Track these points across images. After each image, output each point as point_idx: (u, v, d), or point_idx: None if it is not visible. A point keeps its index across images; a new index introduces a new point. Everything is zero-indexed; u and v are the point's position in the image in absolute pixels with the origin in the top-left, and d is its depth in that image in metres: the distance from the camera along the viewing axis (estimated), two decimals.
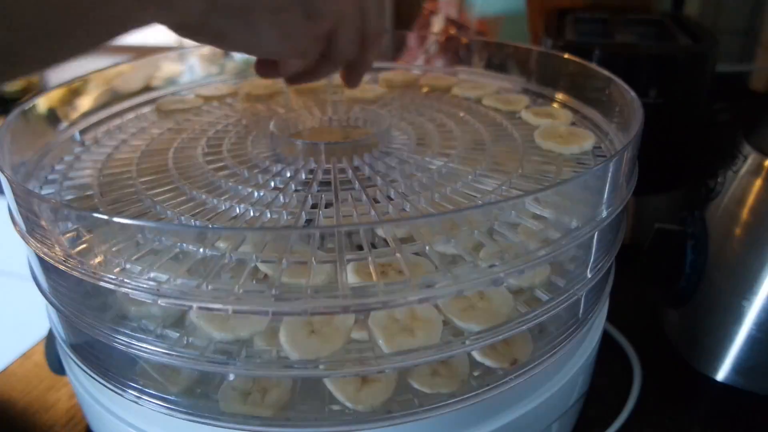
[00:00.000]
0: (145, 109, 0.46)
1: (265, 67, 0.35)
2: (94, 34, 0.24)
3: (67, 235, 0.29)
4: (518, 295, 0.29)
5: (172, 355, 0.26)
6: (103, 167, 0.37)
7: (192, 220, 0.30)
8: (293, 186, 0.33)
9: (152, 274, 0.26)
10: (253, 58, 0.35)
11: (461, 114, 0.43)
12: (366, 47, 0.34)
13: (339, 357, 0.25)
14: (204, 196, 0.32)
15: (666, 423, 0.40)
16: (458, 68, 0.53)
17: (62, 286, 0.30)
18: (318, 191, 0.32)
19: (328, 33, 0.32)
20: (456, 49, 0.57)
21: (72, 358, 0.32)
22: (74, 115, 0.41)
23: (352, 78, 0.38)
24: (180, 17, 0.26)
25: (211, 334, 0.26)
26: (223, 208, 0.31)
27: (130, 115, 0.45)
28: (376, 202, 0.31)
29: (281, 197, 0.31)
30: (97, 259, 0.28)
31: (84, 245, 0.28)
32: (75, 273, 0.27)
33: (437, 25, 0.83)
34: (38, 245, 0.29)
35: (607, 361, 0.39)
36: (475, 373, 0.28)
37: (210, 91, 0.48)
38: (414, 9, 0.84)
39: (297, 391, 0.28)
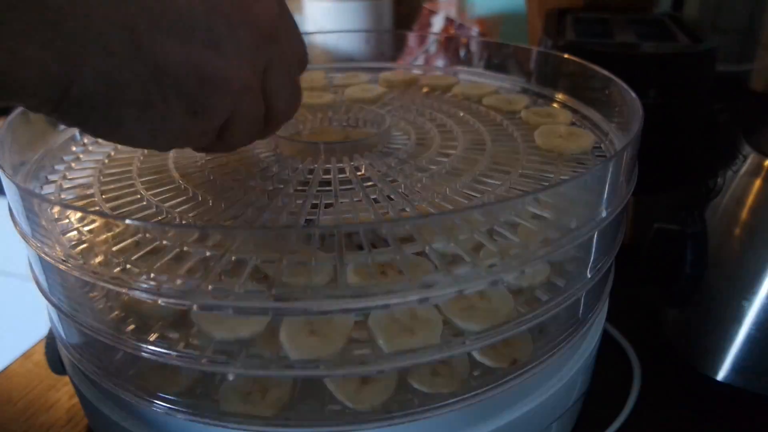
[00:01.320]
0: None
1: None
2: None
3: (67, 235, 0.29)
4: (518, 295, 0.29)
5: (172, 355, 0.26)
6: (103, 167, 0.37)
7: (192, 220, 0.30)
8: (293, 186, 0.33)
9: (152, 274, 0.26)
10: None
11: (461, 114, 0.43)
12: (272, 129, 0.31)
13: (339, 357, 0.26)
14: (204, 196, 0.32)
15: (666, 423, 0.40)
16: (458, 68, 0.53)
17: (62, 286, 0.30)
18: (318, 191, 0.32)
19: (222, 126, 0.27)
20: (456, 49, 0.57)
21: (72, 358, 0.32)
22: None
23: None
24: (33, 107, 0.23)
25: (211, 334, 0.26)
26: (223, 208, 0.31)
27: None
28: (376, 202, 0.31)
29: (281, 197, 0.31)
30: (97, 259, 0.28)
31: (84, 245, 0.28)
32: (75, 273, 0.27)
33: (437, 25, 0.83)
34: (38, 245, 0.29)
35: (607, 361, 0.39)
36: (475, 373, 0.29)
37: None
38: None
39: (297, 391, 0.28)
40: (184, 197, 0.32)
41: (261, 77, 0.27)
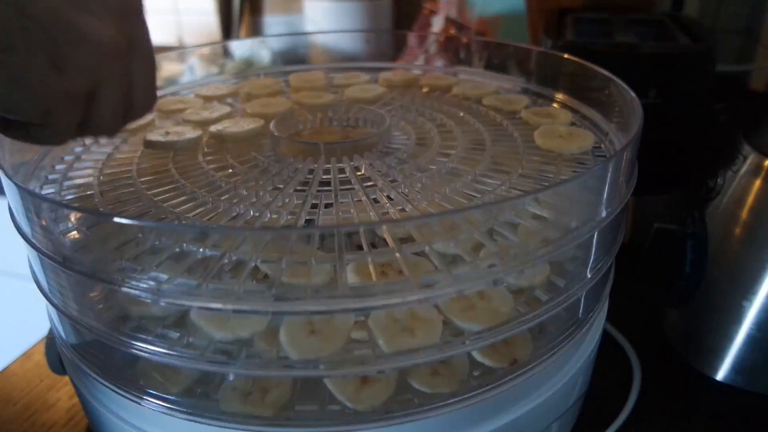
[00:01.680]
0: None
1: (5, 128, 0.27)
2: None
3: (67, 235, 0.29)
4: (518, 295, 0.29)
5: (172, 355, 0.26)
6: (103, 167, 0.37)
7: (192, 220, 0.30)
8: (293, 186, 0.33)
9: (152, 274, 0.26)
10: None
11: (461, 114, 0.43)
12: (126, 121, 0.29)
13: (339, 357, 0.26)
14: (204, 196, 0.32)
15: (666, 423, 0.40)
16: (458, 68, 0.53)
17: (62, 286, 0.30)
18: (318, 191, 0.32)
19: (85, 94, 0.25)
20: (456, 49, 0.57)
21: (72, 358, 0.32)
22: None
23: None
24: None
25: (211, 334, 0.26)
26: (223, 208, 0.31)
27: None
28: (376, 202, 0.31)
29: (281, 197, 0.31)
30: (97, 259, 0.28)
31: (84, 245, 0.28)
32: (75, 273, 0.27)
33: (437, 25, 0.82)
34: (38, 245, 0.29)
35: (607, 361, 0.39)
36: (475, 373, 0.29)
37: (210, 91, 0.48)
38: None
39: (297, 391, 0.28)
40: (184, 197, 0.32)
41: (127, 51, 0.26)
